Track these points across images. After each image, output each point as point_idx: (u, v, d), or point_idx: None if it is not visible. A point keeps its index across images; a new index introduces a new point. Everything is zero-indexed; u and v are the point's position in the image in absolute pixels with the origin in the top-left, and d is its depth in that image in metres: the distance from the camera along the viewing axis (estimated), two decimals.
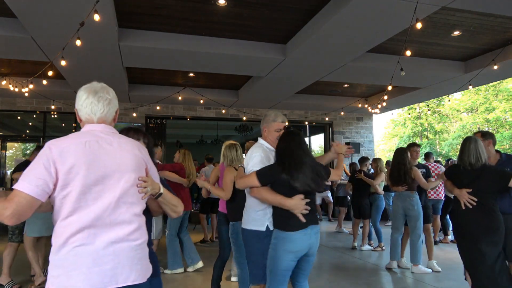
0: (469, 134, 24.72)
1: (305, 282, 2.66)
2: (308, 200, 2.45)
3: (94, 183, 1.47)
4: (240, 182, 2.56)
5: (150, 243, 1.71)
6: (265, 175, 2.47)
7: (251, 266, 2.69)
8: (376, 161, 6.64)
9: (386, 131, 30.19)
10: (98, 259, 1.42)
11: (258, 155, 2.62)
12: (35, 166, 1.41)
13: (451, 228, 5.77)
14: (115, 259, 1.45)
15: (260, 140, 2.80)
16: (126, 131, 1.92)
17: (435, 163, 6.92)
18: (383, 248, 6.31)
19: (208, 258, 5.92)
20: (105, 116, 1.63)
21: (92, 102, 1.61)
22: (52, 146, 1.46)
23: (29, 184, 1.38)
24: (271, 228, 2.57)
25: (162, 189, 1.69)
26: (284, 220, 2.47)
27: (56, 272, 1.41)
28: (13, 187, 1.41)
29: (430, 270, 4.90)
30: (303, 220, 2.43)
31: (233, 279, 4.59)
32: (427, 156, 7.36)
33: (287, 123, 2.79)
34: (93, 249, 1.42)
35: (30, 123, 9.55)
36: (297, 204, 2.42)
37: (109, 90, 1.68)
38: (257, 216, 2.61)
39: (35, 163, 1.42)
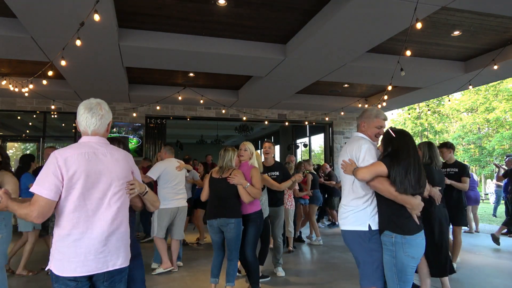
0: (469, 134, 24.63)
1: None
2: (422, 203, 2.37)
3: (91, 187, 1.85)
4: (366, 172, 2.37)
5: (132, 233, 2.14)
6: (387, 163, 2.36)
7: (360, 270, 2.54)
8: None
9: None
10: (93, 249, 1.82)
11: (367, 146, 2.55)
12: (47, 173, 1.77)
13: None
14: (106, 249, 1.86)
15: (359, 134, 2.74)
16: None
17: None
18: None
19: (207, 257, 5.92)
20: (97, 129, 1.98)
21: (87, 117, 1.96)
22: (58, 156, 1.81)
23: (45, 190, 1.75)
24: (374, 227, 2.46)
25: (147, 188, 2.15)
26: (403, 221, 2.34)
27: (60, 256, 1.80)
28: (31, 190, 1.78)
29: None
30: (418, 222, 2.36)
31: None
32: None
33: (385, 121, 2.75)
34: (89, 241, 1.82)
35: (30, 123, 9.54)
36: (419, 204, 2.34)
37: (103, 106, 2.02)
38: (359, 215, 2.50)
39: (46, 171, 1.78)
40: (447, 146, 4.94)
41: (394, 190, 2.33)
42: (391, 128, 2.58)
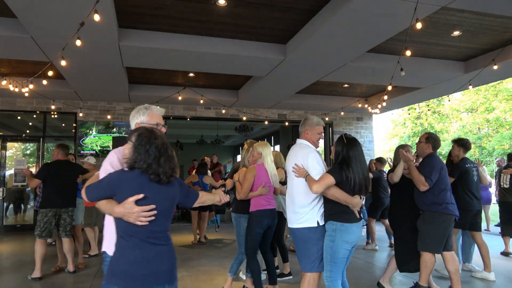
0: (469, 134, 24.58)
1: (344, 271, 2.98)
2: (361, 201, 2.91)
3: None
4: (318, 186, 2.79)
5: None
6: (336, 174, 2.81)
7: (305, 259, 2.97)
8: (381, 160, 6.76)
9: (386, 131, 30.19)
10: None
11: (313, 154, 2.97)
12: None
13: None
14: None
15: (303, 141, 3.14)
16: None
17: None
18: None
19: (207, 257, 5.93)
20: None
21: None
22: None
23: None
24: (321, 223, 2.92)
25: None
26: (344, 214, 2.85)
27: None
28: None
29: None
30: (358, 216, 2.90)
31: (243, 276, 4.62)
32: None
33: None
34: None
35: (30, 123, 9.54)
36: (358, 202, 2.86)
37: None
38: (308, 214, 2.94)
39: None
40: (458, 143, 4.79)
41: (340, 194, 2.80)
42: (344, 134, 2.98)
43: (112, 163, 2.05)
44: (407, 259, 3.93)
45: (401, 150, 3.86)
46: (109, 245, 1.97)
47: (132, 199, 1.78)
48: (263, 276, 4.34)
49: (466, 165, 4.70)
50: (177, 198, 2.01)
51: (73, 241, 5.06)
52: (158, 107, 2.30)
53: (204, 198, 2.30)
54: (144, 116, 2.22)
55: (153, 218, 1.82)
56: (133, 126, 2.22)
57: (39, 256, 4.66)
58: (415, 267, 3.91)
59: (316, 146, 3.13)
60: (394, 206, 4.18)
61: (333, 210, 2.87)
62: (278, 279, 4.75)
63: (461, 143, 4.77)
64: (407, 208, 3.98)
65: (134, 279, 1.78)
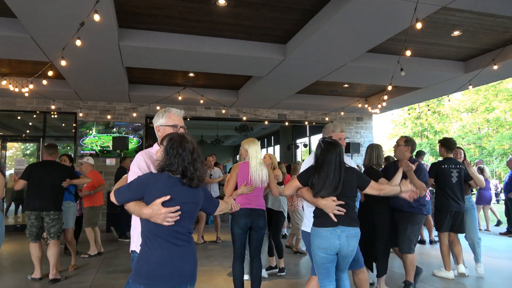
0: (469, 134, 24.59)
1: (343, 274, 2.86)
2: (341, 202, 2.65)
3: None
4: (286, 188, 2.95)
5: None
6: (303, 177, 2.84)
7: (312, 262, 2.94)
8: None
9: (386, 131, 30.20)
10: None
11: (306, 161, 3.17)
12: None
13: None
14: None
15: None
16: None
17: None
18: None
19: (207, 257, 5.93)
20: None
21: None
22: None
23: None
24: None
25: None
26: (317, 217, 2.75)
27: None
28: None
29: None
30: (334, 219, 2.65)
31: (246, 277, 4.63)
32: (419, 154, 7.41)
33: (343, 133, 3.28)
34: None
35: (30, 123, 9.54)
36: (328, 204, 2.65)
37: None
38: (306, 218, 3.07)
39: None
40: (440, 142, 4.87)
41: (307, 195, 2.78)
42: (322, 139, 2.91)
43: (139, 166, 2.10)
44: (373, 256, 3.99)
45: (405, 161, 3.71)
46: (137, 245, 2.03)
47: (160, 200, 1.83)
48: (246, 276, 4.10)
49: (442, 166, 4.68)
50: (201, 203, 2.06)
51: (59, 246, 4.74)
52: (177, 109, 2.34)
53: (222, 207, 2.38)
54: (163, 119, 2.28)
55: (178, 218, 1.87)
56: (155, 130, 2.31)
57: (35, 258, 4.62)
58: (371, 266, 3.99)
59: None
60: (372, 208, 4.00)
61: (314, 214, 2.82)
62: (271, 271, 4.94)
63: (442, 143, 4.82)
64: (380, 209, 3.93)
65: (159, 279, 1.83)
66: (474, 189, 5.04)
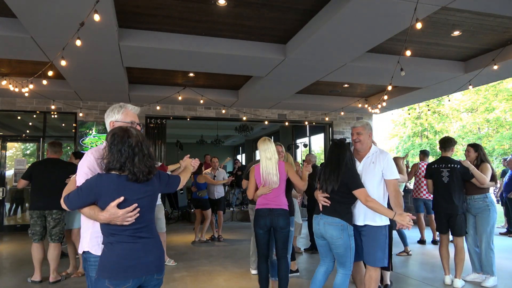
0: (469, 134, 24.51)
1: (340, 267, 3.14)
2: (326, 195, 3.11)
3: None
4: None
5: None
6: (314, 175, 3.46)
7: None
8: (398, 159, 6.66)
9: (386, 131, 30.18)
10: None
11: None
12: None
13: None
14: None
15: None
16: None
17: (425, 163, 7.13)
18: (410, 253, 6.05)
19: (207, 257, 5.93)
20: None
21: None
22: None
23: None
24: (349, 223, 3.10)
25: None
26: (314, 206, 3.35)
27: None
28: None
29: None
30: (320, 208, 3.18)
31: (253, 272, 4.70)
32: (424, 154, 7.38)
33: (356, 126, 3.35)
34: None
35: (30, 123, 9.54)
36: (316, 195, 3.23)
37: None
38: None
39: None
40: (439, 141, 4.77)
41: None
42: (333, 139, 3.29)
43: (89, 165, 1.98)
44: None
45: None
46: (90, 245, 1.98)
47: (114, 203, 1.80)
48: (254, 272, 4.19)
49: (433, 166, 4.59)
50: (157, 192, 2.03)
51: (59, 249, 4.71)
52: (133, 106, 2.27)
53: (184, 177, 2.33)
54: (119, 115, 2.18)
55: (138, 215, 1.86)
56: (107, 125, 2.20)
57: (36, 260, 4.58)
58: None
59: (354, 146, 3.37)
60: None
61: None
62: (292, 275, 4.83)
63: (439, 142, 4.78)
64: None
65: (124, 270, 1.83)
66: (490, 188, 4.58)
